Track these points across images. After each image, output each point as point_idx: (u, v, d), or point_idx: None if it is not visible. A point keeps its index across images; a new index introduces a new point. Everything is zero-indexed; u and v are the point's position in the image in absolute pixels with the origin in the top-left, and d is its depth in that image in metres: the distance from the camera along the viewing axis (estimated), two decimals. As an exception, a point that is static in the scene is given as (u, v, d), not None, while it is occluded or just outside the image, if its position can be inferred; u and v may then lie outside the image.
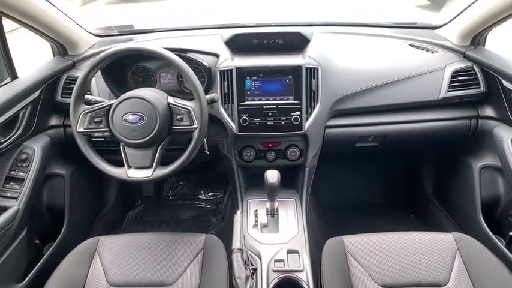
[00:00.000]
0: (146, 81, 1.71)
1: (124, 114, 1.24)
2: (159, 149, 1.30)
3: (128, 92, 1.29)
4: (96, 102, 1.41)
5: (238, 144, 1.59)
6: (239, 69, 1.52)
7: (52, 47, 1.74)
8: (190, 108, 1.28)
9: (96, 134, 1.31)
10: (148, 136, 1.24)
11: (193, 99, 1.27)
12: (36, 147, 1.52)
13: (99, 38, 1.95)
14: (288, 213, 1.54)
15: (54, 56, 1.75)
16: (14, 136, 1.46)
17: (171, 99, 1.30)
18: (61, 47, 1.71)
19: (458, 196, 1.82)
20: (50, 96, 1.62)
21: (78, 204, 1.81)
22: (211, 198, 2.34)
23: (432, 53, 1.70)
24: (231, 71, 1.52)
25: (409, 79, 1.59)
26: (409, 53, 1.73)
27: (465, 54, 1.64)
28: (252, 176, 1.74)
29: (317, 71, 1.53)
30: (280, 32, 1.73)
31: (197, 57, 1.57)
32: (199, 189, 2.39)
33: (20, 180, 1.45)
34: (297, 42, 1.73)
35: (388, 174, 2.35)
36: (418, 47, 1.75)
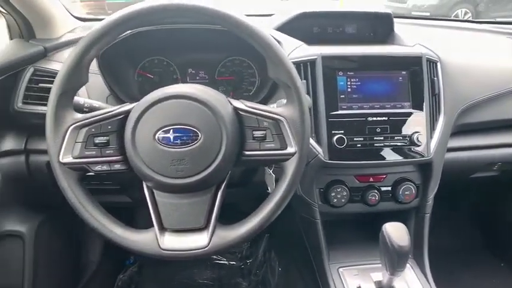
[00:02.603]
0: (163, 81, 1.10)
1: (158, 130, 0.65)
2: (219, 193, 0.71)
3: (161, 89, 0.68)
4: (91, 108, 0.79)
5: (321, 179, 1.00)
6: (327, 60, 0.95)
7: (9, 25, 1.08)
8: (281, 118, 0.69)
9: (97, 168, 0.68)
10: (205, 171, 0.66)
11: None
12: None
13: (83, 23, 1.31)
14: None
15: (11, 39, 1.09)
16: None
17: (237, 103, 0.71)
18: (26, 25, 1.06)
19: None
20: (2, 103, 0.96)
21: (43, 279, 1.11)
22: (235, 250, 1.69)
23: None
24: (313, 62, 0.95)
25: None
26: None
27: None
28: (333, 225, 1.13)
29: (436, 65, 1.01)
30: (356, 13, 1.20)
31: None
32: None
33: None
34: (375, 32, 1.22)
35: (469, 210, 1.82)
36: None
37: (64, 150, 0.67)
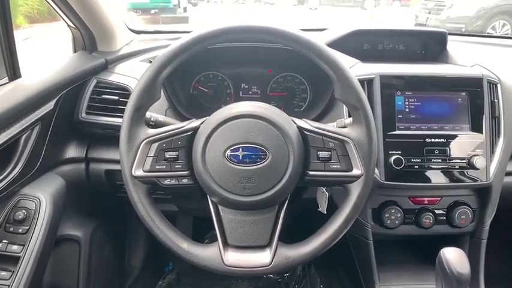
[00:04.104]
0: (217, 95, 1.12)
1: (228, 148, 0.67)
2: (282, 212, 0.72)
3: (229, 108, 0.70)
4: (157, 123, 0.82)
5: (375, 199, 0.99)
6: (385, 79, 0.95)
7: (75, 38, 1.14)
8: (348, 140, 0.69)
9: (166, 182, 0.70)
10: (271, 190, 0.68)
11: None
12: (43, 197, 0.89)
13: (137, 35, 1.37)
14: None
15: (75, 51, 1.15)
16: (7, 178, 0.83)
17: (301, 122, 0.72)
18: (90, 38, 1.12)
19: None
20: (67, 112, 1.01)
21: (95, 282, 1.15)
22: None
23: None
24: (370, 81, 0.95)
25: None
26: None
27: None
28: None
29: (496, 87, 0.98)
30: (410, 31, 1.20)
31: None
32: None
33: (13, 261, 0.80)
34: (426, 49, 1.21)
35: None
36: None
37: (136, 163, 0.70)
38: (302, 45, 0.68)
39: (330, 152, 0.70)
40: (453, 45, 1.19)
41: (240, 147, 0.67)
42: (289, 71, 1.12)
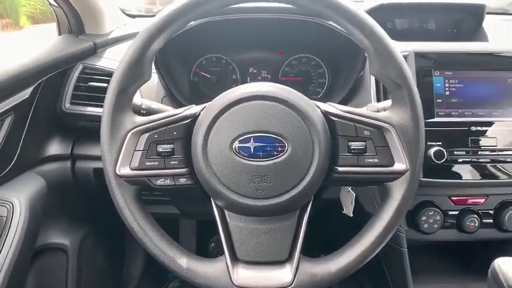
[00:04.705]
0: (222, 81, 0.98)
1: (236, 139, 0.53)
2: (304, 218, 0.57)
3: (237, 89, 0.56)
4: (150, 111, 0.68)
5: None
6: (421, 57, 0.80)
7: (59, 19, 1.00)
8: (388, 126, 0.54)
9: (159, 182, 0.56)
10: (292, 190, 0.54)
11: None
12: (17, 201, 0.75)
13: (132, 19, 1.22)
14: None
15: (59, 34, 1.01)
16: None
17: (327, 106, 0.57)
18: (76, 19, 0.98)
19: None
20: (48, 102, 0.87)
21: (87, 294, 1.01)
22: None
23: None
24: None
25: None
26: None
27: None
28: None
29: None
30: (443, 4, 1.04)
31: None
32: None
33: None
34: (458, 28, 1.05)
35: None
36: None
37: (122, 159, 0.56)
38: (328, 6, 0.54)
39: (364, 143, 0.55)
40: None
41: (251, 137, 0.52)
42: (304, 52, 0.97)
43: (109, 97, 0.56)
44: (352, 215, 0.78)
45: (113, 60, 0.93)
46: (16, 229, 0.73)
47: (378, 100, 0.81)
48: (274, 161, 0.52)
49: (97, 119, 0.86)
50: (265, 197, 0.53)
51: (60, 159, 0.90)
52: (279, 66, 0.97)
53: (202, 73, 0.97)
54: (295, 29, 0.89)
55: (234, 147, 0.52)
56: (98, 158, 0.89)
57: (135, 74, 0.56)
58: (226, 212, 0.57)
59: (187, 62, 0.97)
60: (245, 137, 0.52)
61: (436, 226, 0.82)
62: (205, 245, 1.59)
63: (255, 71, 0.98)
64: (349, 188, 0.78)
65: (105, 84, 0.88)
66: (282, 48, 0.97)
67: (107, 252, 1.14)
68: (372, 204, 0.86)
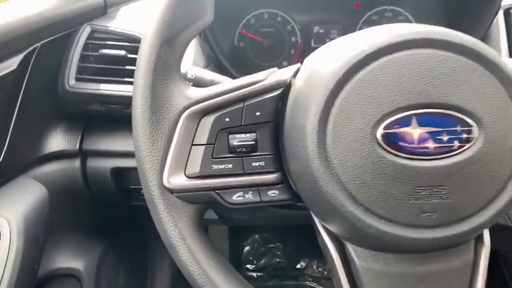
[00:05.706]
0: (277, 46, 0.73)
1: (382, 121, 0.28)
2: (482, 252, 0.31)
3: (372, 31, 0.30)
4: (199, 83, 0.42)
5: None
6: None
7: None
8: None
9: (237, 198, 0.33)
10: (484, 209, 0.28)
11: None
12: (4, 221, 0.51)
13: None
14: None
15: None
16: None
17: None
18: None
19: None
20: (45, 78, 0.63)
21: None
22: (328, 275, 1.34)
23: None
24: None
25: None
26: None
27: None
28: None
29: None
30: None
31: None
32: (304, 256, 1.39)
33: None
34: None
35: None
36: None
37: (172, 161, 0.32)
38: None
39: None
40: None
41: (411, 116, 0.28)
42: (387, 3, 0.72)
43: (146, 56, 0.32)
44: None
45: (131, 21, 0.69)
46: (6, 260, 0.50)
47: None
48: (456, 159, 0.28)
49: (114, 100, 0.63)
50: (436, 225, 0.29)
51: (65, 157, 0.66)
52: (355, 23, 0.73)
53: (251, 35, 0.73)
54: None
55: (378, 135, 0.28)
56: (118, 154, 0.66)
57: (190, 11, 0.32)
58: (350, 247, 0.33)
59: (229, 20, 0.72)
60: (399, 115, 0.28)
61: None
62: (238, 248, 1.40)
63: (321, 30, 0.73)
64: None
65: (122, 52, 0.63)
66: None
67: (129, 272, 0.91)
68: None
